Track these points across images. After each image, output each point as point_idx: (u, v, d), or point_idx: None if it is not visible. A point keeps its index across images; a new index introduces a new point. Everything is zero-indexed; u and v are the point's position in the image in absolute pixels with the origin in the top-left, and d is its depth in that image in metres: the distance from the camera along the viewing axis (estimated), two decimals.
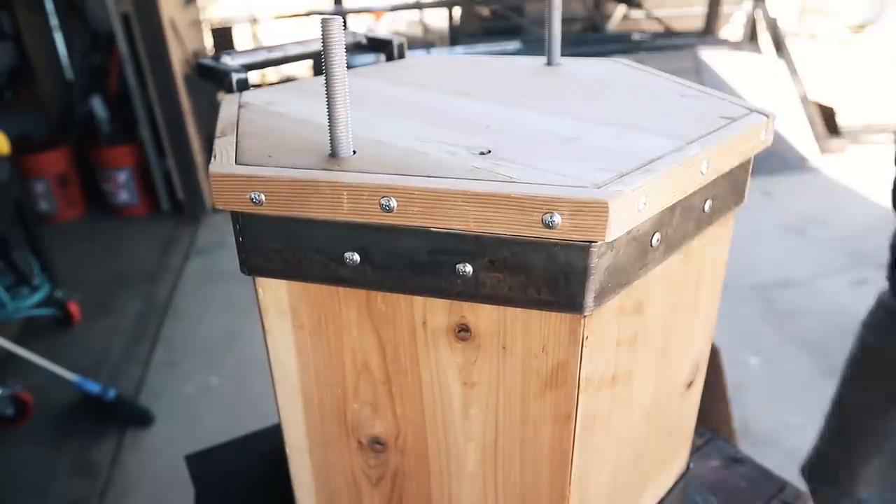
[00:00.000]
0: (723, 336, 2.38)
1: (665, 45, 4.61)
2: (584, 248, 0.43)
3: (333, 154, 0.50)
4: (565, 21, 5.05)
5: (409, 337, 0.52)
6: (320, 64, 0.47)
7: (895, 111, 4.97)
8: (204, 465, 0.96)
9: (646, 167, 0.46)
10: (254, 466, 0.94)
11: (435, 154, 0.49)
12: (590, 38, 5.20)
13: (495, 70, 0.75)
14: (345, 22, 3.52)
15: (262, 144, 0.53)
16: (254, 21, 6.05)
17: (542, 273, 0.45)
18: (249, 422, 1.15)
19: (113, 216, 3.89)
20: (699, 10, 5.35)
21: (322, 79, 0.48)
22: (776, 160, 4.06)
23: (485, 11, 5.93)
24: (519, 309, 0.47)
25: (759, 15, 4.73)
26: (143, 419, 2.21)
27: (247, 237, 0.51)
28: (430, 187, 0.44)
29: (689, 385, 0.69)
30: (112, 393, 2.20)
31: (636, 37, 4.70)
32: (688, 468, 0.78)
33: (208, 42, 4.81)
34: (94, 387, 2.19)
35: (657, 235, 0.48)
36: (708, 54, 4.47)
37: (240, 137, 0.55)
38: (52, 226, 3.73)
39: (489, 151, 0.50)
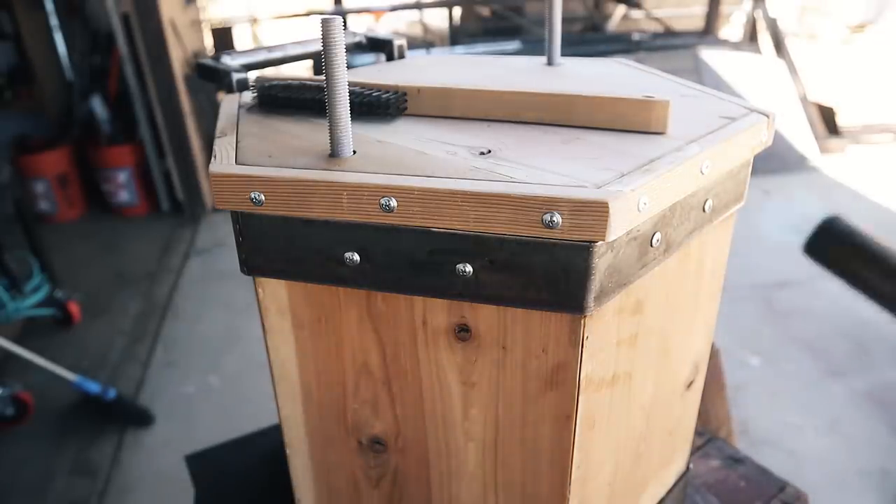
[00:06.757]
0: (723, 336, 2.38)
1: (665, 45, 4.60)
2: (584, 248, 0.43)
3: (333, 154, 0.50)
4: (565, 21, 5.05)
5: (409, 337, 0.52)
6: (320, 64, 0.47)
7: (895, 111, 4.97)
8: (204, 465, 0.96)
9: (646, 167, 0.46)
10: (254, 466, 0.94)
11: (435, 154, 0.49)
12: (590, 38, 5.19)
13: (495, 70, 0.75)
14: (345, 22, 3.52)
15: (262, 144, 0.53)
16: (254, 21, 6.04)
17: (542, 273, 0.45)
18: (249, 422, 1.15)
19: (113, 216, 3.89)
20: (699, 10, 5.34)
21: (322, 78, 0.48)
22: (776, 160, 4.06)
23: (485, 11, 5.92)
24: (519, 309, 0.47)
25: (759, 15, 4.73)
26: (142, 419, 2.21)
27: (247, 237, 0.51)
28: (430, 187, 0.44)
29: (689, 385, 0.69)
30: (112, 393, 2.20)
31: (636, 37, 4.69)
32: (688, 468, 0.78)
33: (208, 42, 4.81)
34: (94, 387, 2.18)
35: (657, 235, 0.48)
36: (708, 54, 4.46)
37: (240, 137, 0.55)
38: (53, 226, 3.72)
39: (489, 151, 0.50)
